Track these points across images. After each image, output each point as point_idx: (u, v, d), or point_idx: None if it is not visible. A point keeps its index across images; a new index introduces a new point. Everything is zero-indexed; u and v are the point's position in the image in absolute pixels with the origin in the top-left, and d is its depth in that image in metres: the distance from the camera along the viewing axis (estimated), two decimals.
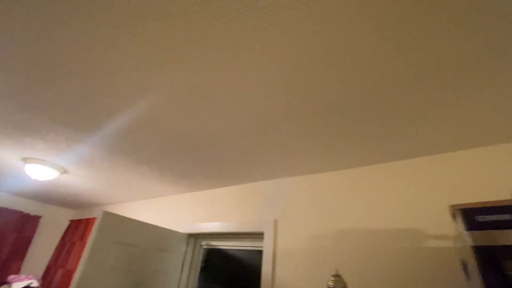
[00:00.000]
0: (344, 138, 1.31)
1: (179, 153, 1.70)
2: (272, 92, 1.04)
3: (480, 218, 0.72)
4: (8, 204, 3.76)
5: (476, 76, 0.86)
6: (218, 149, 1.58)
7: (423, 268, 1.16)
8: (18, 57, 1.01)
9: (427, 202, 1.27)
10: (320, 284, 1.39)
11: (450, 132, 1.17)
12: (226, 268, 2.07)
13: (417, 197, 1.31)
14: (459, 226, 0.80)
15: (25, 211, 3.88)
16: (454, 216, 0.86)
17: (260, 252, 1.93)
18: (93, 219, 3.45)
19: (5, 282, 3.37)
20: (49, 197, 3.56)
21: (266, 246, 1.68)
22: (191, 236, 2.30)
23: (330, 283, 1.06)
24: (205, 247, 2.29)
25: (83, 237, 3.39)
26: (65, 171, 2.31)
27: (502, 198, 1.11)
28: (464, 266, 0.87)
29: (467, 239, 0.72)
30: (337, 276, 1.08)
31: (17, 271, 3.54)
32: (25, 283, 2.88)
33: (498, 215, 0.70)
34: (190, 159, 1.77)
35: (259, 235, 1.92)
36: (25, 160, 2.14)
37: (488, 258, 0.66)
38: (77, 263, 3.14)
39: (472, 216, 0.73)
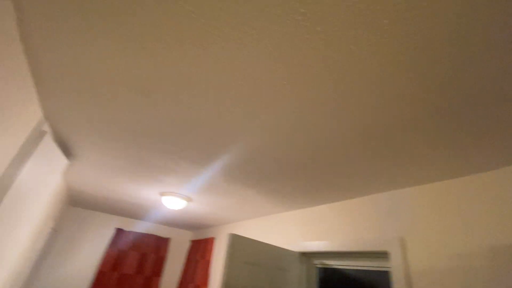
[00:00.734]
0: (484, 133, 1.11)
1: (286, 174, 1.78)
2: (385, 99, 0.99)
3: None
4: (148, 230, 4.67)
5: None
6: (326, 165, 1.58)
7: None
8: (162, 121, 1.29)
9: None
10: None
11: None
12: None
13: None
14: None
15: (159, 234, 4.73)
16: None
17: (384, 273, 1.77)
18: (211, 239, 3.90)
19: None
20: (175, 221, 4.26)
21: (395, 267, 1.52)
22: (304, 254, 2.31)
23: None
24: (319, 266, 2.26)
25: (204, 256, 3.87)
26: (190, 200, 2.73)
27: None
28: None
29: None
30: None
31: (157, 286, 4.30)
32: None
33: None
34: (298, 178, 1.83)
35: (380, 255, 1.77)
36: (162, 194, 2.65)
37: None
38: (203, 279, 3.58)
39: None
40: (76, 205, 4.01)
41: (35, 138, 1.37)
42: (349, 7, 0.66)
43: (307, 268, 2.26)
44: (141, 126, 1.39)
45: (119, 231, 4.31)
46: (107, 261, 4.02)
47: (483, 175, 1.36)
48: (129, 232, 4.41)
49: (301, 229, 2.41)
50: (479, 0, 0.61)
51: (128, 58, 0.93)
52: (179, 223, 4.32)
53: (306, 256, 2.32)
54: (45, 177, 1.67)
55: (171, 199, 2.57)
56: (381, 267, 1.78)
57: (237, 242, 1.75)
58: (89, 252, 4.04)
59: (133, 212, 3.97)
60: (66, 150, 1.87)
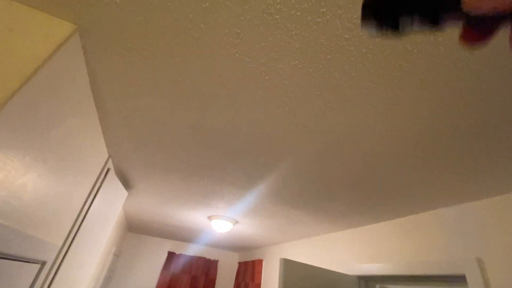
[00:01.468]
0: None
1: (335, 193, 1.71)
2: (444, 107, 0.91)
3: None
4: (197, 252, 4.79)
5: None
6: (381, 179, 1.49)
7: None
8: (213, 152, 1.36)
9: None
10: None
11: None
12: None
13: None
14: None
15: (207, 257, 4.81)
16: None
17: None
18: (259, 261, 3.85)
19: None
20: (223, 243, 4.31)
21: None
22: (361, 278, 2.14)
23: None
24: None
25: (253, 278, 3.81)
26: (236, 222, 2.76)
27: None
28: None
29: None
30: None
31: None
32: None
33: None
34: (348, 197, 1.74)
35: (454, 279, 1.56)
36: (210, 217, 2.73)
37: None
38: None
39: None
40: (133, 230, 4.32)
41: (103, 175, 1.53)
42: None
43: None
44: (194, 158, 1.48)
45: (171, 254, 4.49)
46: (161, 284, 4.19)
47: None
48: (180, 255, 4.57)
49: (354, 250, 2.26)
50: None
51: (182, 102, 1.01)
52: (226, 245, 4.37)
53: (364, 279, 2.15)
54: (109, 208, 1.85)
55: (219, 222, 2.63)
56: None
57: (289, 267, 1.70)
58: (146, 275, 4.26)
59: (184, 236, 4.12)
60: (125, 182, 2.05)
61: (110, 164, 1.63)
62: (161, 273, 4.28)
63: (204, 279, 4.52)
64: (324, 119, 1.01)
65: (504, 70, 0.73)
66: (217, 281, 4.67)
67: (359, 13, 0.63)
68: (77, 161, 1.12)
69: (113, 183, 1.69)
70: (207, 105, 1.03)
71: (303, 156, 1.31)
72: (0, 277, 0.79)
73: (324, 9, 0.63)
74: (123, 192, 1.94)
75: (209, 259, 4.72)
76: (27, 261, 0.95)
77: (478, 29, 0.20)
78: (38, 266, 1.05)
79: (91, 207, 1.45)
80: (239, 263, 4.68)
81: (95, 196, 1.47)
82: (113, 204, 1.89)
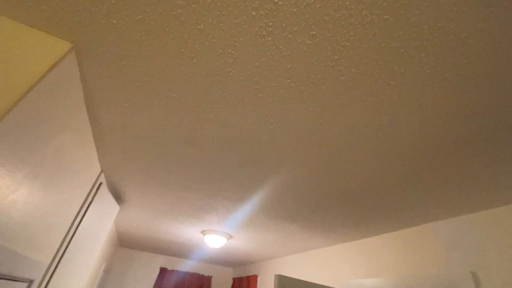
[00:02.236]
0: None
1: (329, 207, 1.71)
2: (438, 119, 0.94)
3: None
4: (190, 268, 4.67)
5: None
6: (373, 194, 1.50)
7: None
8: (206, 165, 1.36)
9: None
10: None
11: None
12: None
13: None
14: None
15: (201, 272, 4.69)
16: None
17: None
18: (254, 276, 3.76)
19: None
20: (216, 259, 4.22)
21: None
22: None
23: None
24: None
25: None
26: (230, 237, 2.72)
27: None
28: None
29: None
30: None
31: None
32: None
33: None
34: (342, 210, 1.74)
35: None
36: (203, 232, 2.69)
37: None
38: None
39: None
40: (124, 246, 4.20)
41: (95, 189, 1.51)
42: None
43: None
44: (187, 172, 1.47)
45: (163, 270, 4.36)
46: None
47: None
48: (173, 271, 4.45)
49: (350, 265, 2.24)
50: None
51: (176, 118, 1.02)
52: (220, 260, 4.27)
53: None
54: (101, 223, 1.81)
55: (212, 237, 2.58)
56: None
57: (284, 283, 1.67)
58: None
59: (176, 251, 4.03)
60: (118, 196, 2.02)
61: (102, 178, 1.61)
62: None
63: None
64: (317, 134, 1.03)
65: (494, 84, 0.76)
66: None
67: (347, 35, 0.66)
68: (69, 176, 1.11)
69: (105, 197, 1.67)
70: (202, 120, 1.04)
71: (297, 170, 1.32)
72: None
73: (314, 32, 0.66)
74: (115, 207, 1.91)
75: (203, 275, 4.60)
76: (14, 279, 0.92)
77: None
78: (25, 285, 1.01)
79: (82, 223, 1.42)
80: (234, 279, 4.57)
81: (86, 211, 1.44)
82: (104, 219, 1.86)
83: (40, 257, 1.07)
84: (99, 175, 1.54)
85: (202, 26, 0.68)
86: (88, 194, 1.45)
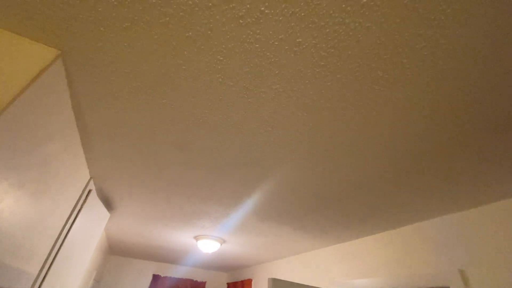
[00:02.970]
0: None
1: (320, 208, 1.73)
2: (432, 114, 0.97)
3: None
4: (183, 274, 4.61)
5: None
6: (362, 195, 1.53)
7: None
8: (198, 170, 1.36)
9: None
10: None
11: None
12: None
13: None
14: None
15: (194, 278, 4.64)
16: None
17: None
18: (248, 280, 3.74)
19: None
20: (210, 264, 4.18)
21: None
22: None
23: None
24: None
25: None
26: (224, 241, 2.71)
27: None
28: None
29: None
30: None
31: None
32: None
33: None
34: (333, 211, 1.76)
35: None
36: (196, 237, 2.67)
37: None
38: None
39: None
40: (115, 253, 4.12)
41: (84, 197, 1.49)
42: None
43: None
44: (179, 177, 1.47)
45: (156, 277, 4.30)
46: None
47: None
48: (165, 277, 4.38)
49: (344, 266, 2.26)
50: None
51: (166, 123, 1.02)
52: (214, 265, 4.24)
53: None
54: (91, 231, 1.78)
55: (205, 242, 2.57)
56: None
57: (278, 286, 1.68)
58: None
59: (169, 257, 3.97)
60: (108, 203, 1.99)
61: (91, 185, 1.59)
62: None
63: None
64: (305, 137, 1.05)
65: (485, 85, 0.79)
66: None
67: (332, 42, 0.68)
68: (57, 184, 1.09)
69: (94, 205, 1.64)
70: (192, 126, 1.04)
71: (288, 173, 1.34)
72: None
73: (300, 39, 0.68)
74: (105, 214, 1.88)
75: (196, 281, 4.55)
76: None
77: None
78: None
79: (71, 231, 1.40)
80: (228, 283, 4.53)
81: (75, 219, 1.42)
82: (94, 227, 1.82)
83: (27, 267, 1.05)
84: (88, 182, 1.52)
85: (190, 33, 0.69)
86: (77, 202, 1.43)
